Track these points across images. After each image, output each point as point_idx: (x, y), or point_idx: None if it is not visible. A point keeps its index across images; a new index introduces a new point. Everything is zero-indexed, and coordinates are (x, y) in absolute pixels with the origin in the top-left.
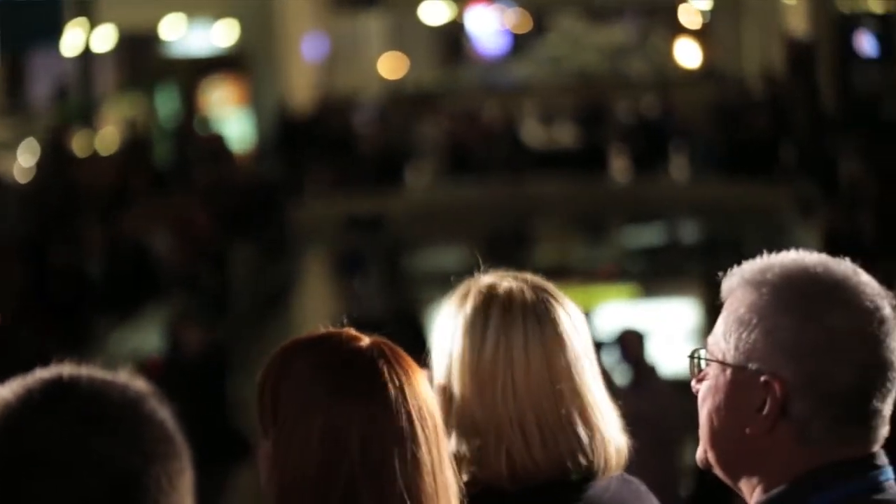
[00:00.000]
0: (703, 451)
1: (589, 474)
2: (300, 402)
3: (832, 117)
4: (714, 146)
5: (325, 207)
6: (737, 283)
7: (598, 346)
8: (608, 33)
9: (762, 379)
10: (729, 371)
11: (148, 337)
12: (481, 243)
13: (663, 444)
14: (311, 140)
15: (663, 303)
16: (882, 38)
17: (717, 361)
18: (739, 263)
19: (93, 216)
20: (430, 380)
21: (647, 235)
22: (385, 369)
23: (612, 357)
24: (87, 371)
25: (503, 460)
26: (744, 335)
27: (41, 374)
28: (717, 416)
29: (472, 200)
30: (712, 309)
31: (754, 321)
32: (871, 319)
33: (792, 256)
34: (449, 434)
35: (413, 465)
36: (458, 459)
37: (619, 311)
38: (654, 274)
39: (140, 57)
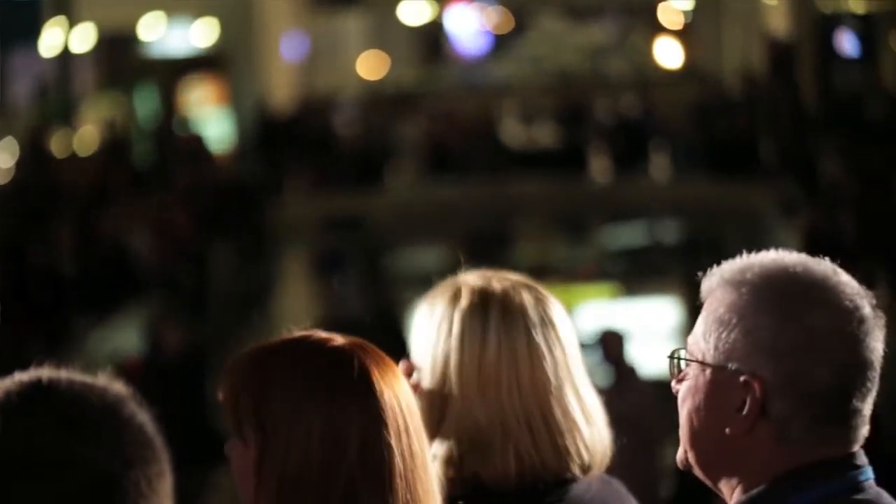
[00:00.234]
0: (682, 452)
1: (586, 471)
2: (294, 405)
3: (813, 117)
4: (695, 146)
5: (305, 207)
6: (716, 283)
7: (580, 346)
8: (588, 33)
9: (742, 379)
10: (709, 371)
11: (127, 337)
12: (461, 243)
13: (644, 445)
14: (291, 140)
15: (644, 302)
16: (863, 38)
17: (697, 362)
18: (720, 263)
19: (72, 216)
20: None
21: (628, 235)
22: (372, 368)
23: (592, 358)
24: (66, 374)
25: (511, 459)
26: (723, 335)
27: (20, 376)
28: (697, 416)
29: (452, 200)
30: (693, 309)
31: (734, 321)
32: (850, 319)
33: (771, 256)
34: (446, 435)
35: (411, 461)
36: (459, 459)
37: (599, 310)
38: (635, 274)
39: (119, 56)
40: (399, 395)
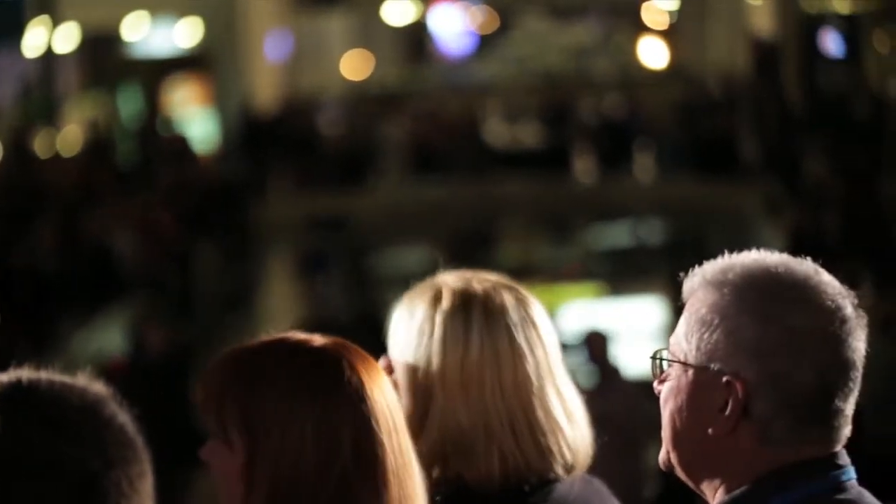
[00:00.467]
0: (665, 453)
1: (569, 471)
2: (285, 406)
3: (798, 117)
4: (680, 146)
5: (289, 207)
6: (698, 283)
7: (563, 347)
8: (573, 33)
9: (724, 379)
10: (691, 372)
11: (111, 337)
12: (445, 243)
13: (628, 446)
14: (275, 140)
15: (629, 302)
16: (847, 38)
17: (679, 362)
18: (704, 263)
19: (56, 216)
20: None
21: (613, 235)
22: (359, 367)
23: (577, 358)
24: (46, 375)
25: (495, 460)
26: (705, 335)
27: (0, 377)
28: (680, 416)
29: (437, 200)
30: (677, 309)
31: (716, 321)
32: (832, 319)
33: (753, 256)
34: (429, 436)
35: (402, 458)
36: (442, 459)
37: (584, 310)
38: (620, 274)
39: (102, 56)
40: (386, 394)
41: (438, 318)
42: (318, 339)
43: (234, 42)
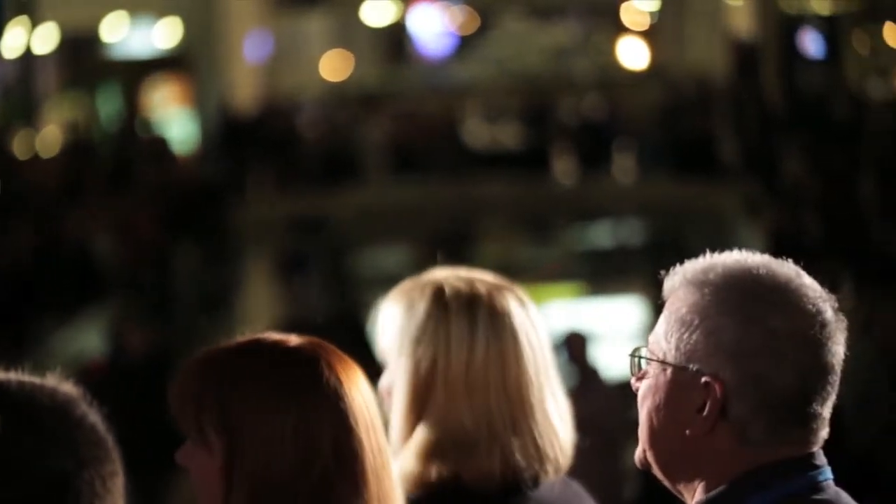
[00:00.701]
0: (641, 452)
1: (558, 473)
2: (263, 406)
3: (777, 118)
4: (659, 146)
5: (269, 208)
6: (679, 282)
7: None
8: (552, 33)
9: (703, 380)
10: (669, 371)
11: (91, 338)
12: (425, 244)
13: (607, 447)
14: (255, 140)
15: (609, 302)
16: (827, 39)
17: (658, 361)
18: (683, 263)
19: (35, 217)
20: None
21: (593, 236)
22: (336, 365)
23: (557, 359)
24: (15, 376)
25: (497, 460)
26: (685, 335)
27: None
28: (657, 415)
29: (416, 201)
30: (657, 309)
31: (696, 322)
32: (812, 322)
33: (735, 257)
34: (426, 433)
35: (380, 456)
36: (441, 457)
37: (564, 310)
38: (600, 274)
39: (82, 57)
40: (363, 392)
41: (443, 317)
42: (293, 339)
43: (214, 43)
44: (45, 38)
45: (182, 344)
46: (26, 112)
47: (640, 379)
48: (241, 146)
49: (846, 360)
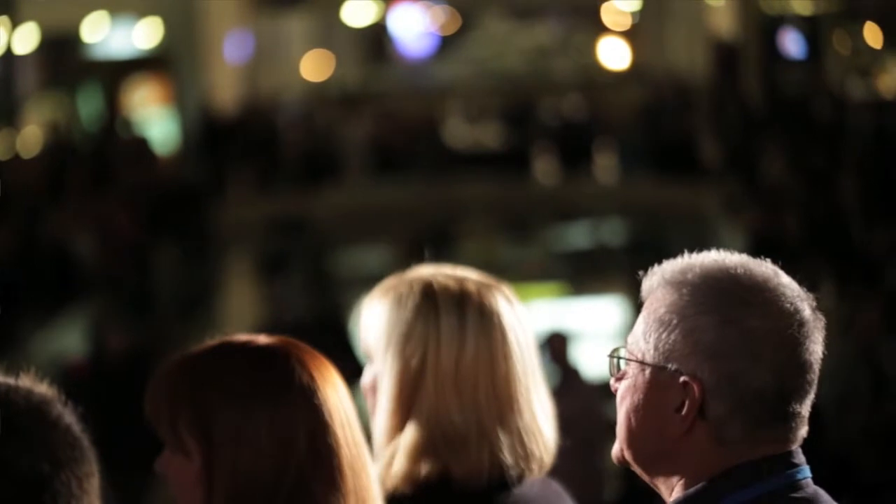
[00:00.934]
0: (619, 450)
1: (542, 471)
2: (239, 408)
3: (758, 118)
4: (640, 147)
5: (249, 209)
6: (657, 282)
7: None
8: (533, 34)
9: (681, 380)
10: (648, 371)
11: (71, 339)
12: (406, 244)
13: (587, 447)
14: (235, 141)
15: (590, 302)
16: (807, 39)
17: (637, 361)
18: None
19: (15, 218)
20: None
21: (574, 236)
22: (308, 362)
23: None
24: None
25: (486, 457)
26: (664, 335)
27: None
28: (636, 415)
29: (397, 201)
30: (638, 308)
31: (674, 321)
32: (790, 321)
33: (713, 257)
34: (416, 429)
35: (356, 450)
36: (431, 453)
37: (546, 310)
38: (581, 274)
39: (62, 57)
40: (337, 388)
41: (433, 314)
42: (262, 339)
43: (194, 43)
44: (26, 39)
45: (162, 344)
46: (7, 112)
47: (619, 380)
48: (221, 146)
49: (827, 360)
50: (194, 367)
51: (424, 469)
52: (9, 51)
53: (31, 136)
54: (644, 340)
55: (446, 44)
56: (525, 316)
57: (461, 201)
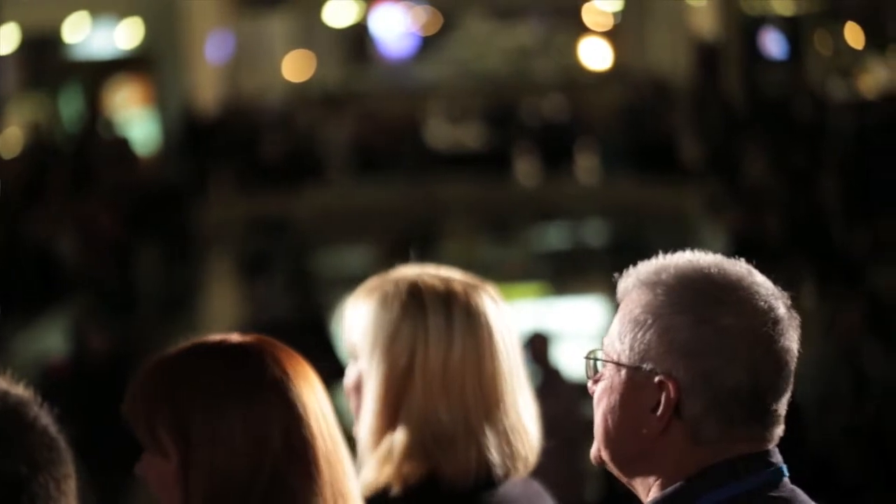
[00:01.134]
0: (596, 450)
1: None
2: (214, 407)
3: (739, 118)
4: (622, 147)
5: (231, 209)
6: (632, 283)
7: None
8: (514, 34)
9: (657, 379)
10: (624, 371)
11: (53, 339)
12: (388, 244)
13: (568, 448)
14: (217, 141)
15: (571, 302)
16: (788, 39)
17: (613, 362)
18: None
19: None
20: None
21: (555, 236)
22: (282, 359)
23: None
24: None
25: (473, 457)
26: (639, 336)
27: None
28: (612, 416)
29: (379, 201)
30: (617, 309)
31: (649, 322)
32: (764, 320)
33: (687, 257)
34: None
35: (332, 443)
36: (420, 452)
37: (527, 310)
38: (562, 275)
39: (43, 58)
40: (312, 383)
41: (420, 313)
42: (235, 337)
43: (176, 43)
44: (7, 39)
45: (144, 345)
46: None
47: (596, 381)
48: (203, 146)
49: (808, 361)
50: (167, 368)
51: (414, 469)
52: None
53: (12, 137)
54: (619, 341)
55: (428, 44)
56: (510, 316)
57: (442, 201)
